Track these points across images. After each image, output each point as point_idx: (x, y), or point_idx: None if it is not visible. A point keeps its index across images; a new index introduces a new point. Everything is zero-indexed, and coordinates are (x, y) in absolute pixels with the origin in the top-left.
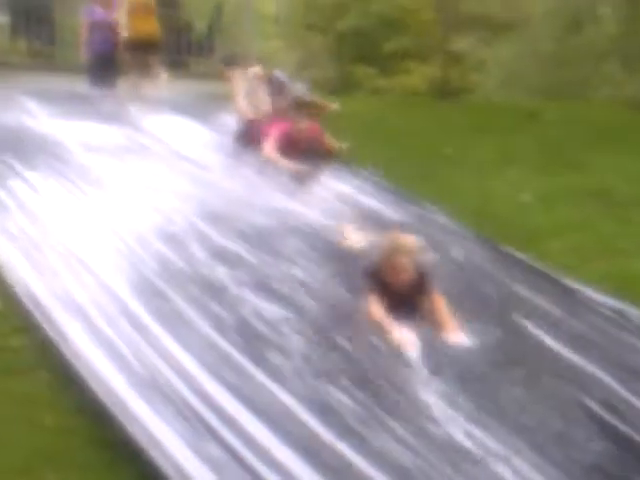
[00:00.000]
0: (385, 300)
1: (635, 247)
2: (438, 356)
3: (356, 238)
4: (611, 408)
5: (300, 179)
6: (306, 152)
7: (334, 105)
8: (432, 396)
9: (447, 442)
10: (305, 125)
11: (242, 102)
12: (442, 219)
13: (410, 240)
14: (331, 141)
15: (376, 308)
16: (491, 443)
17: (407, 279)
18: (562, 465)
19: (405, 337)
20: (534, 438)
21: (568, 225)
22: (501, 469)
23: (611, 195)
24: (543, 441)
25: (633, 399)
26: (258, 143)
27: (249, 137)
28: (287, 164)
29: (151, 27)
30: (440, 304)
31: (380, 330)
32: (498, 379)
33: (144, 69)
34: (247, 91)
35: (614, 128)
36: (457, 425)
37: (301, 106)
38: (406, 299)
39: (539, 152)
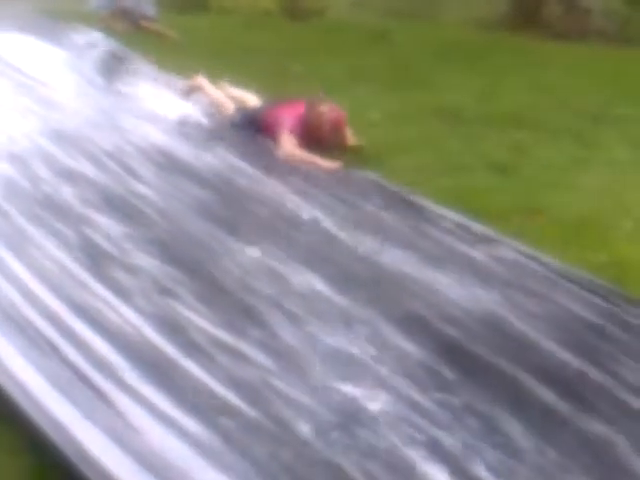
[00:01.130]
0: None
1: (478, 163)
2: None
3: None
4: (451, 320)
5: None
6: (325, 146)
7: (173, 34)
8: (279, 316)
9: (297, 360)
10: (327, 110)
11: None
12: None
13: None
14: (351, 135)
15: None
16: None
17: None
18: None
19: None
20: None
21: (415, 143)
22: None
23: (458, 113)
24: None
25: (472, 309)
26: (265, 132)
27: (251, 127)
28: (320, 162)
29: None
30: None
31: None
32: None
33: None
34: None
35: (463, 48)
36: (308, 341)
37: (141, 30)
38: None
39: (389, 71)
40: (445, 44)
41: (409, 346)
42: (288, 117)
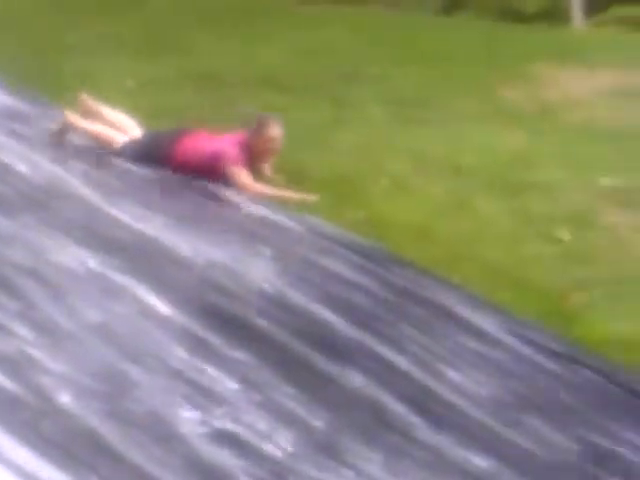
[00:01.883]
0: None
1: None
2: None
3: None
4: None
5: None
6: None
7: None
8: (38, 288)
9: (57, 331)
10: (277, 135)
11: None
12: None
13: None
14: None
15: None
16: None
17: None
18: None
19: None
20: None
21: (174, 110)
22: None
23: (218, 78)
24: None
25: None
26: (181, 169)
27: (149, 161)
28: (294, 196)
29: None
30: None
31: None
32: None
33: None
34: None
35: (224, 12)
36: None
37: None
38: None
39: (146, 37)
40: (206, 8)
41: (177, 316)
42: (228, 148)
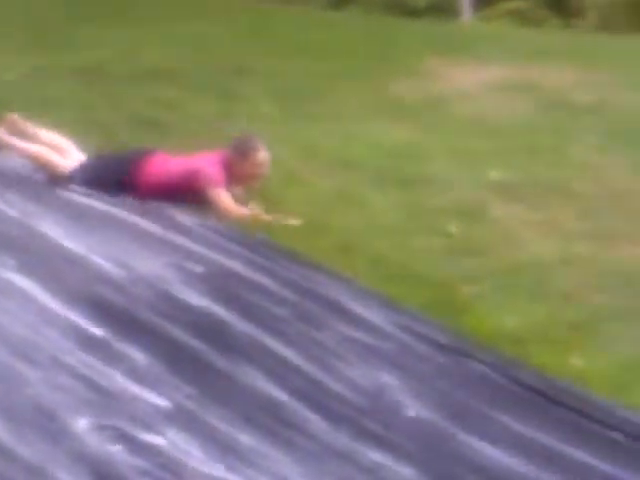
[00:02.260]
0: None
1: (124, 120)
2: None
3: None
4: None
5: None
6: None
7: None
8: None
9: None
10: (265, 158)
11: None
12: None
13: None
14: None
15: None
16: None
17: None
18: None
19: None
20: None
21: (56, 102)
22: None
23: (100, 71)
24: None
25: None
26: (146, 192)
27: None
28: (280, 219)
29: None
30: None
31: None
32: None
33: None
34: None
35: (103, 2)
36: None
37: None
38: None
39: (25, 29)
40: (91, 1)
41: (69, 313)
42: (209, 167)
